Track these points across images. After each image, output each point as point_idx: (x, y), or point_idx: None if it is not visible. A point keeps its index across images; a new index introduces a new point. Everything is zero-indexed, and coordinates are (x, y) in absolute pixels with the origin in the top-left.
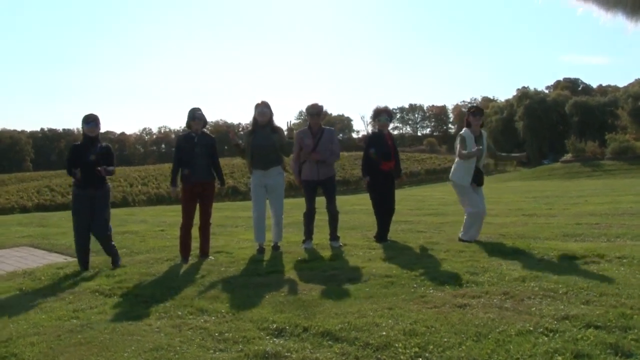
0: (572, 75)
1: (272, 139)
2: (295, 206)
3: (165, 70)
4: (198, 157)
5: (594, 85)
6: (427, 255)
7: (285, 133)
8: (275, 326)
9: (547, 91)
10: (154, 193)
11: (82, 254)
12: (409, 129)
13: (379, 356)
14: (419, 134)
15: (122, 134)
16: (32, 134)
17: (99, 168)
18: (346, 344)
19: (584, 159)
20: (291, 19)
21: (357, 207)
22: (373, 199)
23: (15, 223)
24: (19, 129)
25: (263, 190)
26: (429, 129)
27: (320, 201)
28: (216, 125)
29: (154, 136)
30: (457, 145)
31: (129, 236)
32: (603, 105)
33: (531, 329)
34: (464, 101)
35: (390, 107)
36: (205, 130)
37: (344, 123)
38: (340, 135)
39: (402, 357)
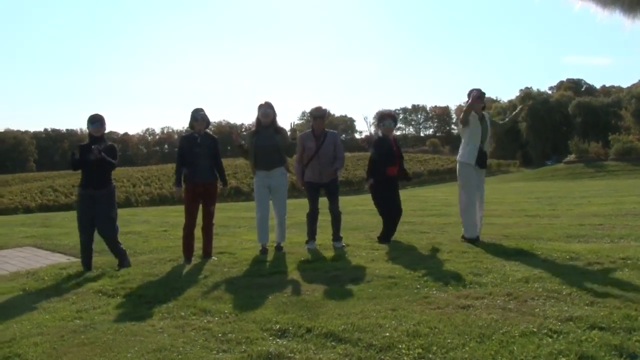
0: (575, 75)
1: (275, 139)
2: (299, 207)
3: (168, 71)
4: (201, 158)
5: (598, 85)
6: (430, 256)
7: (289, 134)
8: (278, 327)
9: (550, 92)
10: (157, 193)
11: (86, 254)
12: (411, 129)
13: (382, 357)
14: (421, 134)
15: (125, 134)
16: (36, 134)
17: (93, 147)
18: (349, 344)
19: (587, 160)
20: (294, 20)
21: (360, 208)
22: (377, 203)
23: (18, 223)
24: (22, 129)
25: (266, 190)
26: (431, 130)
27: (323, 202)
28: (219, 125)
29: (157, 137)
30: (454, 116)
31: (132, 236)
32: (606, 105)
33: (535, 330)
34: (466, 102)
35: (393, 107)
36: (208, 130)
37: (347, 124)
38: (343, 135)
39: (405, 358)
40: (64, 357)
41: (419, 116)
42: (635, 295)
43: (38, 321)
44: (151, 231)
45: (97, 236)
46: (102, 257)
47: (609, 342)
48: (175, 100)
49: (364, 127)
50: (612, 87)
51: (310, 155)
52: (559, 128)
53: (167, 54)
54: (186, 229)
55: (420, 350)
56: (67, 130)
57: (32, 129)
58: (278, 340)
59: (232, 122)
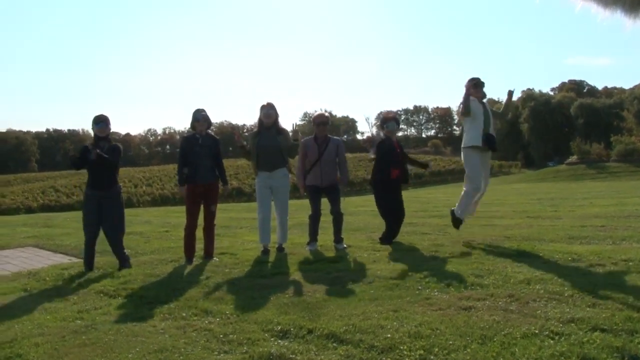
0: (577, 77)
1: (277, 140)
2: (300, 208)
3: (170, 71)
4: (202, 158)
5: (600, 87)
6: (432, 257)
7: (291, 135)
8: (279, 328)
9: (552, 93)
10: (159, 194)
11: (88, 254)
12: (413, 130)
13: (384, 358)
14: (423, 135)
15: (127, 134)
16: (38, 135)
17: (90, 147)
18: (351, 346)
19: (589, 161)
20: (296, 20)
21: (361, 209)
22: (379, 205)
23: (20, 223)
24: (24, 129)
25: (268, 191)
26: (433, 131)
27: (325, 203)
28: (221, 126)
29: (159, 137)
30: (460, 109)
31: (133, 237)
32: (608, 107)
33: (537, 332)
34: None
35: (395, 108)
36: (210, 131)
37: (349, 124)
38: (345, 136)
39: (406, 359)
40: (65, 357)
41: (421, 117)
42: (637, 297)
43: (39, 321)
44: (153, 232)
45: (100, 236)
46: (104, 257)
47: (610, 344)
48: (177, 101)
49: (366, 128)
50: (614, 88)
51: (312, 162)
52: (561, 129)
53: (168, 54)
54: (187, 230)
55: (421, 352)
56: (69, 130)
57: (34, 129)
58: (279, 341)
59: (234, 122)
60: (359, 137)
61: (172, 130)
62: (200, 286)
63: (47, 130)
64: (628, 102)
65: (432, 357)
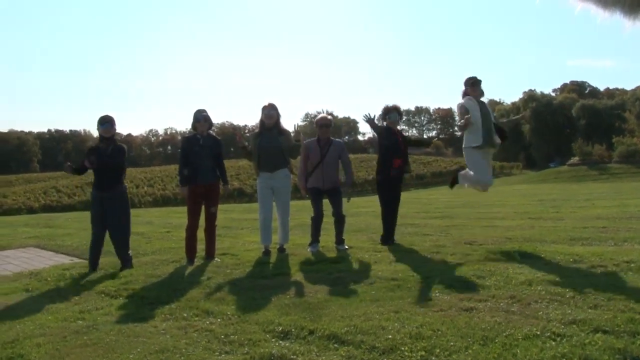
0: (579, 78)
1: (278, 141)
2: (302, 208)
3: (171, 72)
4: (203, 159)
5: (601, 88)
6: (433, 258)
7: (292, 135)
8: (281, 329)
9: (553, 94)
10: (160, 194)
11: (93, 253)
12: (415, 131)
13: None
14: (425, 136)
15: (129, 135)
16: (39, 135)
17: (65, 164)
18: (352, 347)
19: (591, 162)
20: (297, 21)
21: (363, 210)
22: (381, 197)
23: (22, 224)
24: (26, 129)
25: (269, 192)
26: (435, 132)
27: (327, 204)
28: (222, 127)
29: (160, 138)
30: (457, 117)
31: (134, 237)
32: (610, 108)
33: (538, 333)
34: (463, 90)
35: None
36: (212, 132)
37: (350, 125)
38: (346, 137)
39: None
40: (67, 358)
41: (422, 118)
42: (639, 299)
43: (41, 322)
44: (154, 232)
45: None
46: (105, 257)
47: (612, 345)
48: (179, 102)
49: (367, 129)
50: (616, 89)
51: (314, 164)
52: (563, 130)
53: (170, 54)
54: (189, 230)
55: (423, 353)
56: (70, 131)
57: (35, 130)
58: (281, 342)
59: (235, 123)
60: (360, 137)
61: (173, 131)
62: (202, 287)
63: (49, 130)
64: (630, 104)
65: (433, 358)
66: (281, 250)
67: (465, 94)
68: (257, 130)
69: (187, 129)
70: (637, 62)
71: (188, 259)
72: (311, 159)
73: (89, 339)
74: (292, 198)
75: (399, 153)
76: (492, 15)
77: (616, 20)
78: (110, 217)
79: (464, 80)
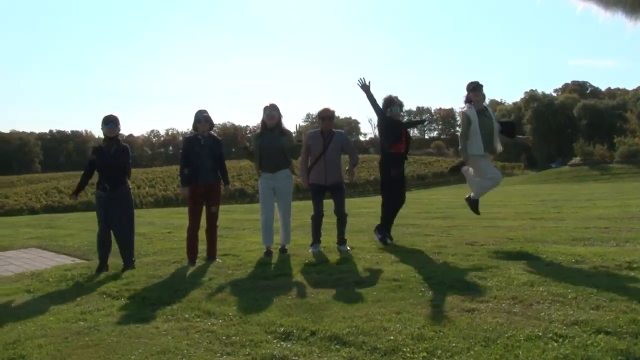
0: (580, 78)
1: (280, 141)
2: (303, 209)
3: (172, 73)
4: (203, 159)
5: (603, 88)
6: (435, 259)
7: (294, 136)
8: (282, 330)
9: (555, 94)
10: (162, 195)
11: (99, 254)
12: (416, 131)
13: None
14: (426, 136)
15: (130, 135)
16: (41, 136)
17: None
18: (354, 348)
19: (593, 163)
20: (299, 22)
21: (364, 210)
22: (383, 186)
23: (23, 224)
24: (27, 130)
25: (271, 192)
26: (436, 132)
27: (328, 204)
28: (224, 127)
29: (162, 138)
30: (461, 127)
31: (136, 238)
32: (612, 108)
33: (540, 334)
34: (465, 96)
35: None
36: (213, 132)
37: (351, 126)
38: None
39: None
40: (68, 359)
41: (424, 118)
42: None
43: (42, 323)
44: (155, 233)
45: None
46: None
47: (615, 346)
48: (180, 102)
49: (369, 129)
50: (618, 89)
51: (316, 156)
52: (564, 130)
53: (171, 55)
54: (190, 231)
55: (425, 354)
56: (72, 131)
57: (37, 130)
58: (282, 343)
59: (237, 123)
60: (361, 138)
61: (175, 132)
62: (203, 288)
63: (51, 131)
64: (631, 104)
65: (435, 359)
66: (283, 250)
67: (467, 99)
68: (258, 131)
69: (188, 129)
70: (638, 62)
71: (189, 259)
72: (313, 150)
73: (90, 340)
74: (294, 198)
75: (400, 138)
76: (493, 15)
77: (618, 20)
78: (113, 216)
79: (465, 85)
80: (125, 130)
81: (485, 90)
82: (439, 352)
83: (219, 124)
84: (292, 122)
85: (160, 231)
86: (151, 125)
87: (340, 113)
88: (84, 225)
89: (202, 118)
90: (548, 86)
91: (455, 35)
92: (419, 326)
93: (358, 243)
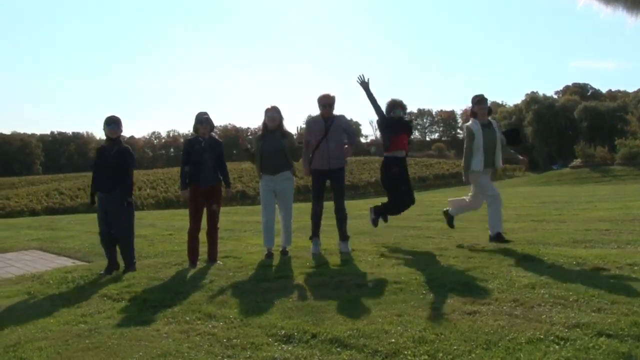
0: (581, 80)
1: (281, 143)
2: (304, 211)
3: (174, 74)
4: (205, 161)
5: (604, 90)
6: (436, 261)
7: (295, 138)
8: (283, 332)
9: (556, 96)
10: (163, 197)
11: (106, 256)
12: (417, 134)
13: None
14: (427, 139)
15: (131, 137)
16: (42, 137)
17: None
18: (355, 350)
19: (593, 165)
20: (300, 24)
21: (365, 212)
22: (385, 184)
23: (24, 226)
24: (29, 132)
25: (272, 195)
26: (437, 134)
27: (328, 205)
28: (225, 129)
29: (163, 140)
30: (465, 141)
31: (137, 240)
32: (612, 110)
33: (542, 337)
34: (469, 107)
35: None
36: (214, 134)
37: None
38: None
39: None
40: None
41: (425, 120)
42: None
43: (42, 325)
44: (156, 235)
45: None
46: (106, 260)
47: (616, 349)
48: (182, 104)
49: (370, 132)
50: (618, 91)
51: (318, 140)
52: (565, 133)
53: (172, 57)
54: (191, 233)
55: (426, 357)
56: (73, 133)
57: (38, 132)
58: (283, 345)
59: (238, 125)
60: (362, 140)
61: (176, 133)
62: (204, 290)
63: (52, 133)
64: (632, 106)
65: None
66: (284, 252)
67: (472, 113)
68: (260, 133)
69: (189, 131)
70: (639, 63)
71: (190, 261)
72: (315, 134)
73: (90, 343)
74: (295, 200)
75: (400, 131)
76: (494, 17)
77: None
78: (114, 218)
79: (470, 98)
80: (126, 131)
81: (486, 93)
82: (440, 355)
83: (220, 126)
84: (293, 124)
85: (161, 233)
86: (152, 127)
87: (340, 113)
88: (85, 227)
89: (202, 120)
90: (549, 88)
91: (456, 37)
92: (420, 329)
93: (359, 245)
